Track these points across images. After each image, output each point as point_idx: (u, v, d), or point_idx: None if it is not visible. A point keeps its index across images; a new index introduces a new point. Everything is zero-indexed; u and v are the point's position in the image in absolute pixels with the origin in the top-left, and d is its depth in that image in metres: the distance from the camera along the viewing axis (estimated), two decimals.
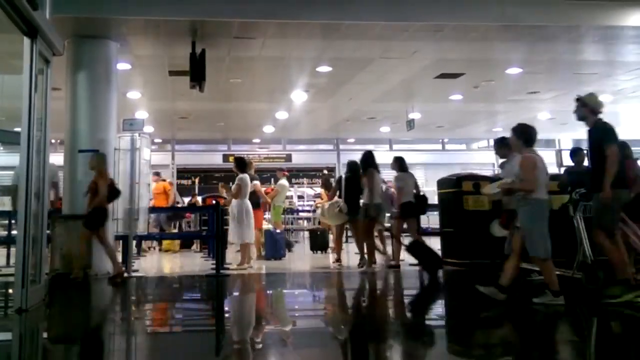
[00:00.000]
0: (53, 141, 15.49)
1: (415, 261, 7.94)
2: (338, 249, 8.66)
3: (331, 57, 9.12)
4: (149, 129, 14.47)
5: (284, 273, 8.05)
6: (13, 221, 8.27)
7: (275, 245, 9.57)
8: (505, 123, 16.21)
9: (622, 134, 6.75)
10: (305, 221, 15.50)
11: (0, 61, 8.54)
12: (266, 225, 10.29)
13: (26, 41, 4.79)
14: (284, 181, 10.77)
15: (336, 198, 8.37)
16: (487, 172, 13.29)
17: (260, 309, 5.70)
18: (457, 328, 4.50)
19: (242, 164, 8.55)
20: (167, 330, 4.71)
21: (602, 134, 5.11)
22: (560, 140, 19.39)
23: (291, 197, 16.30)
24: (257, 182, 9.63)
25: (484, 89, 11.53)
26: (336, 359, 3.63)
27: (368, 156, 8.06)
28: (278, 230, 10.09)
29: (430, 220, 10.95)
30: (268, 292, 6.77)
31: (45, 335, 4.56)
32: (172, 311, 5.58)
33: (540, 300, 4.90)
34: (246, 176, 8.44)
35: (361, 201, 8.07)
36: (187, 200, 14.47)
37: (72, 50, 7.58)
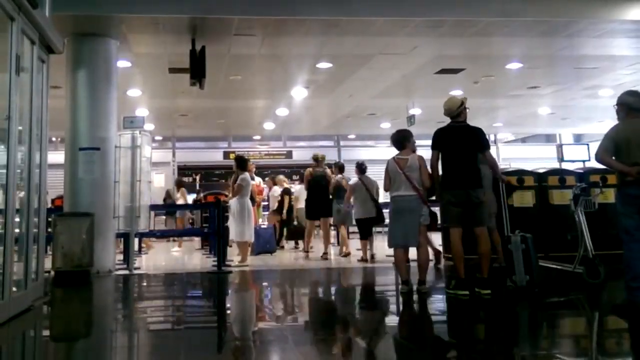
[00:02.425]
0: (54, 139, 15.57)
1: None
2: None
3: (331, 54, 9.10)
4: (149, 126, 14.46)
5: (286, 270, 8.06)
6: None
7: (262, 241, 9.51)
8: (506, 118, 16.23)
9: None
10: None
11: None
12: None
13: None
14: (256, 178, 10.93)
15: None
16: None
17: (263, 305, 5.71)
18: None
19: (242, 162, 8.57)
20: (170, 327, 4.72)
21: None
22: (561, 135, 19.38)
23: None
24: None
25: (484, 84, 11.51)
26: (338, 356, 3.64)
27: None
28: (263, 226, 10.10)
29: None
30: (270, 288, 6.78)
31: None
32: (175, 309, 5.59)
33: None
34: (247, 175, 8.46)
35: None
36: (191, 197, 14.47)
37: (72, 48, 7.57)
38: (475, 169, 5.30)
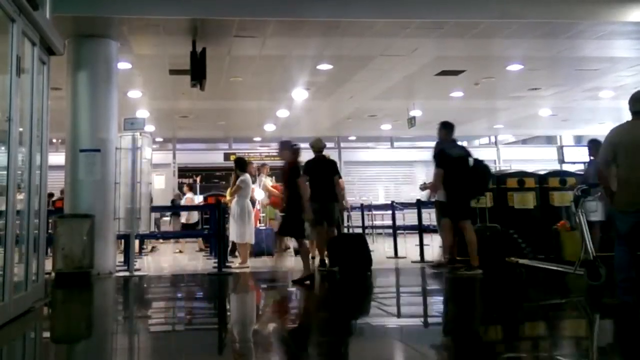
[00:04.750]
0: (54, 141, 15.58)
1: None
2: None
3: (332, 55, 9.11)
4: (150, 128, 14.48)
5: (286, 271, 8.04)
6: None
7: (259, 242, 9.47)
8: (507, 120, 16.23)
9: None
10: None
11: None
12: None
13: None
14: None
15: None
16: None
17: (262, 307, 5.70)
18: None
19: (242, 164, 8.57)
20: (171, 329, 4.71)
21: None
22: (562, 136, 19.37)
23: None
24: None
25: (484, 85, 11.51)
26: (336, 356, 3.63)
27: None
28: (262, 227, 10.07)
29: (432, 217, 10.94)
30: (269, 290, 6.77)
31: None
32: (175, 310, 5.58)
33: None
34: (247, 176, 8.46)
35: None
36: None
37: (73, 49, 7.58)
38: (332, 188, 7.53)
